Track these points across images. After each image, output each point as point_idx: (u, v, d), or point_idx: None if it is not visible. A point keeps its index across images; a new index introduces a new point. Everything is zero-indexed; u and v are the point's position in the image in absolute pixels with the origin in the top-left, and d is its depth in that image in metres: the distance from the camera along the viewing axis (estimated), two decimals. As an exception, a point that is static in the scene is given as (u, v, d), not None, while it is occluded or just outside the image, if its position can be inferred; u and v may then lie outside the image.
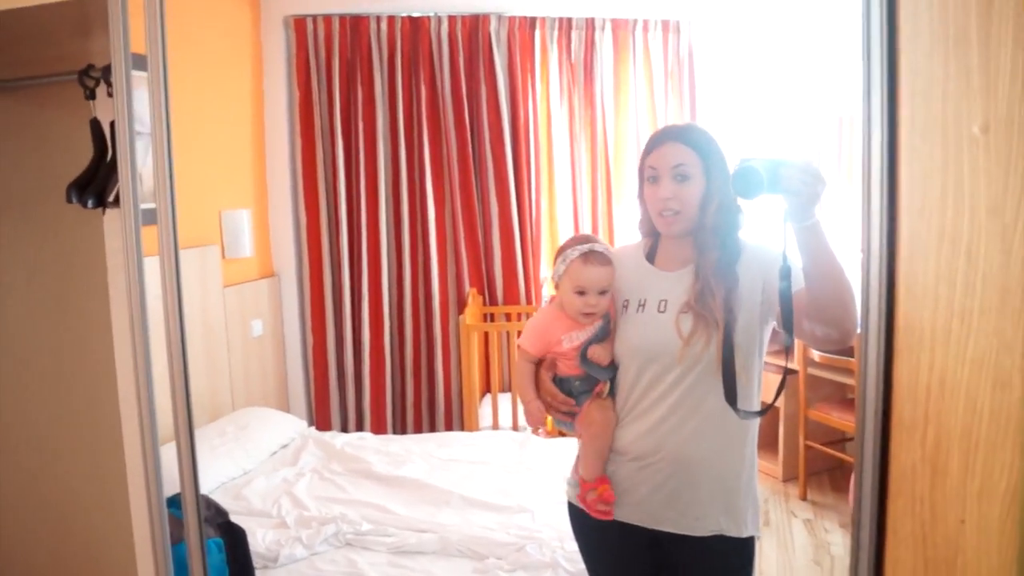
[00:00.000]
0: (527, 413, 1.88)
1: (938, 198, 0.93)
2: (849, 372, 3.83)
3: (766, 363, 1.78)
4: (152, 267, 1.61)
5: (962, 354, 0.91)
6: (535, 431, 1.93)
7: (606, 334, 1.79)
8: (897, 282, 0.96)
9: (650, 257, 1.84)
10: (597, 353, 1.77)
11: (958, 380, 0.92)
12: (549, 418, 1.91)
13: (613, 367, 1.79)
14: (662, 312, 1.72)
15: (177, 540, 1.70)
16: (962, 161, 0.90)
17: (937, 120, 0.92)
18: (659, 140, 1.75)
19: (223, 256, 3.92)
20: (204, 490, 3.01)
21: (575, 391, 1.80)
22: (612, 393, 1.80)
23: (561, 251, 1.80)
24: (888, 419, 1.00)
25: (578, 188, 4.64)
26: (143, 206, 1.61)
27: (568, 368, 1.81)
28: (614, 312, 1.80)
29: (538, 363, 1.88)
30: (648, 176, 1.74)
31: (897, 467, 0.98)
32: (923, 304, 0.95)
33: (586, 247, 1.76)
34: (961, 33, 0.89)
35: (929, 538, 0.96)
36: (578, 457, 1.87)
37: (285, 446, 3.66)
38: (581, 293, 1.75)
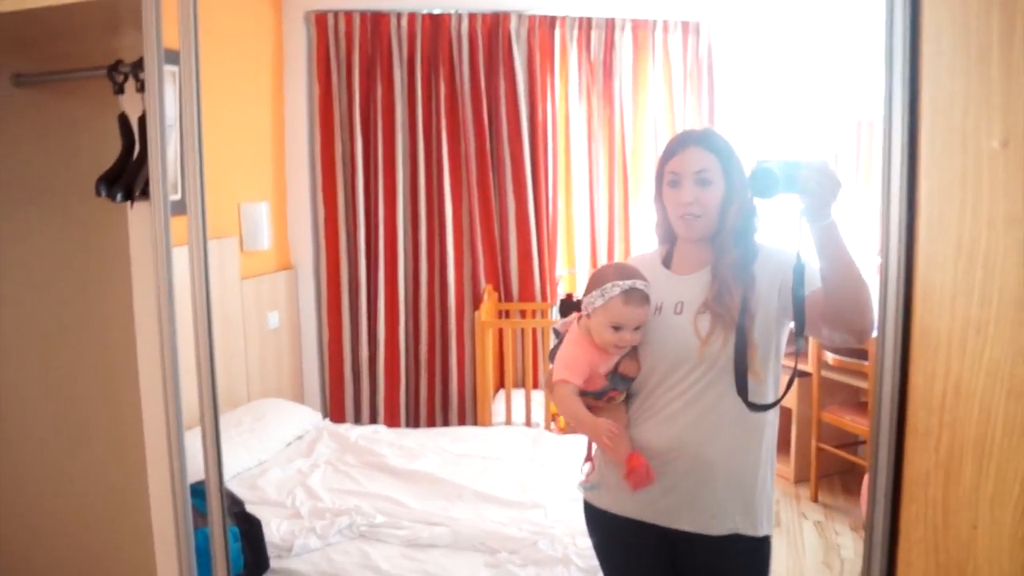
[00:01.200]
0: (596, 437, 1.79)
1: (956, 210, 0.94)
2: (862, 375, 3.83)
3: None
4: (177, 258, 1.64)
5: (978, 363, 0.93)
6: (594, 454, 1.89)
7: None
8: (914, 292, 0.98)
9: (666, 263, 1.86)
10: (628, 367, 1.78)
11: (973, 388, 0.94)
12: (562, 418, 1.92)
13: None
14: (679, 314, 1.74)
15: (195, 527, 1.74)
16: (981, 174, 0.92)
17: (957, 134, 0.94)
18: (680, 145, 1.76)
19: (241, 248, 3.95)
20: (221, 480, 3.05)
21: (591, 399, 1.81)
22: (627, 398, 1.82)
23: (598, 280, 1.77)
24: (903, 425, 1.02)
25: (595, 187, 4.65)
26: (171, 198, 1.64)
27: (589, 385, 1.80)
28: None
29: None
30: (669, 181, 1.75)
31: (911, 472, 1.00)
32: (940, 314, 0.97)
33: (627, 284, 1.72)
34: (984, 51, 0.90)
35: (941, 543, 0.97)
36: (591, 458, 1.89)
37: (300, 437, 3.70)
38: (617, 328, 1.74)
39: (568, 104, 4.58)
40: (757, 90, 4.60)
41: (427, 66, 4.47)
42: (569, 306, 4.14)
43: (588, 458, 1.89)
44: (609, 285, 1.73)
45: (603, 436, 1.73)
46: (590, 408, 1.78)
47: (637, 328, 1.74)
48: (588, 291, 1.79)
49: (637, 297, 1.72)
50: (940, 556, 0.97)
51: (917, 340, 0.99)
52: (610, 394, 1.79)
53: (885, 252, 1.02)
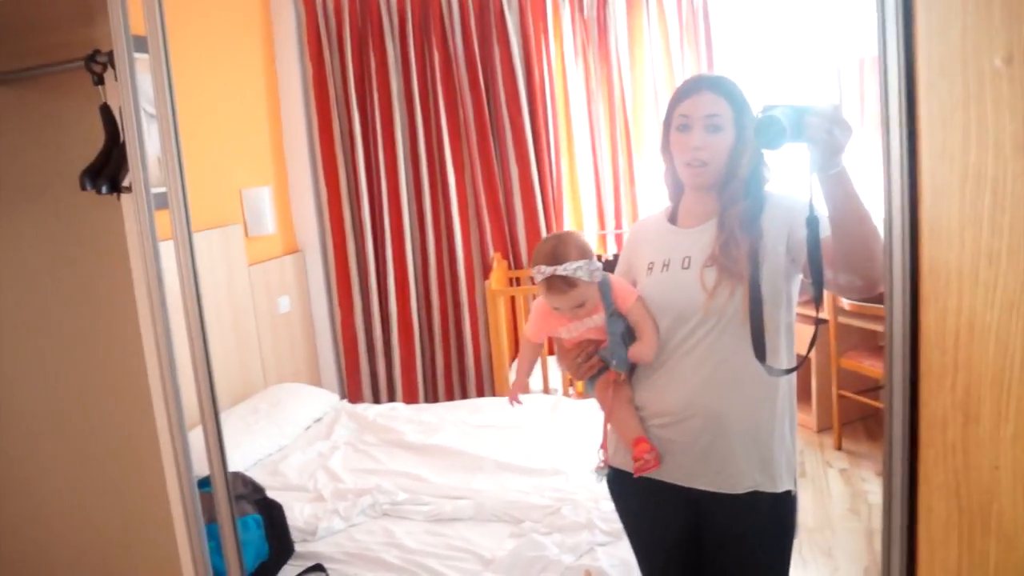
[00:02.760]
0: (512, 385, 1.96)
1: (960, 136, 0.89)
2: (880, 319, 3.78)
3: (797, 314, 1.76)
4: (170, 250, 1.61)
5: (991, 297, 0.88)
6: (512, 401, 1.92)
7: (623, 333, 1.74)
8: (921, 226, 0.93)
9: (672, 219, 1.82)
10: (639, 353, 1.74)
11: (987, 324, 0.89)
12: (579, 382, 1.93)
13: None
14: (686, 268, 1.71)
15: (214, 519, 1.72)
16: (984, 96, 0.86)
17: (956, 54, 0.88)
18: (692, 88, 1.72)
19: (246, 235, 3.93)
20: (240, 467, 3.05)
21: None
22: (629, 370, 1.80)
23: (534, 257, 1.74)
24: (917, 367, 0.97)
25: (597, 146, 4.59)
26: (158, 190, 1.61)
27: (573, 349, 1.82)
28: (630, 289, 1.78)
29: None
30: (678, 124, 1.70)
31: (927, 415, 0.96)
32: (948, 247, 0.92)
33: (549, 271, 1.67)
34: (979, -39, 0.85)
35: (963, 486, 0.94)
36: (605, 445, 1.89)
37: (318, 420, 3.70)
38: (556, 308, 1.74)
39: (564, 64, 4.50)
40: (755, 36, 4.50)
41: (419, 35, 4.41)
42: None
43: (603, 445, 1.86)
44: (535, 270, 1.70)
45: (514, 391, 1.93)
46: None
47: (580, 306, 1.71)
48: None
49: (558, 285, 1.67)
50: (962, 499, 0.94)
51: (926, 276, 0.94)
52: (608, 374, 1.79)
53: (888, 185, 0.97)
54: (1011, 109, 0.84)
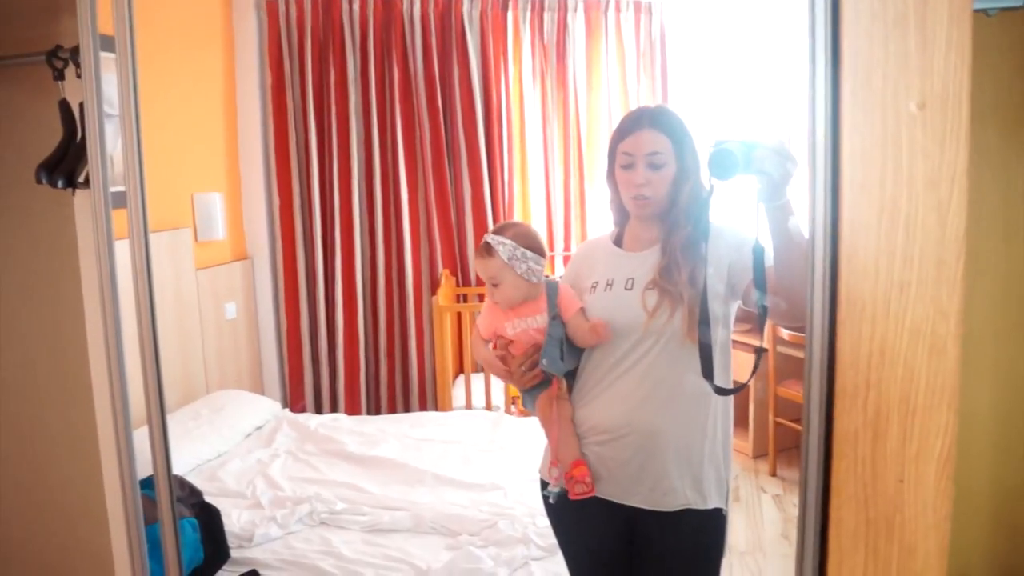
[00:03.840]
0: (490, 364, 1.91)
1: (878, 173, 0.97)
2: (816, 350, 3.89)
3: (738, 341, 1.81)
4: (123, 250, 1.62)
5: (901, 323, 0.96)
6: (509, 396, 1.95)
7: (561, 339, 1.80)
8: (840, 256, 1.01)
9: (617, 242, 1.88)
10: (597, 332, 1.77)
11: (897, 348, 0.97)
12: (519, 398, 1.95)
13: (568, 364, 1.81)
14: (629, 289, 1.76)
15: (151, 520, 1.72)
16: (900, 137, 0.95)
17: (877, 98, 0.96)
18: (633, 126, 1.76)
19: (195, 239, 3.91)
20: (179, 471, 3.02)
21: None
22: (576, 375, 1.84)
23: None
24: (833, 387, 1.05)
25: (550, 169, 4.67)
26: (114, 189, 1.62)
27: (518, 350, 1.85)
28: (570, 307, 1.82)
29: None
30: (622, 163, 1.75)
31: (840, 431, 1.03)
32: (864, 276, 0.99)
33: (485, 238, 1.80)
34: (900, 14, 0.93)
35: (870, 498, 1.01)
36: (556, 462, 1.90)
37: (260, 428, 3.69)
38: (486, 288, 1.83)
39: (522, 87, 4.59)
40: (710, 70, 4.63)
41: (380, 51, 4.45)
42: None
43: (553, 463, 1.85)
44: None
45: (495, 365, 1.88)
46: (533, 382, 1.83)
47: (495, 285, 1.79)
48: None
49: (481, 250, 1.80)
50: (869, 511, 1.01)
51: (844, 303, 1.01)
52: (551, 389, 1.82)
53: (812, 216, 1.04)
54: (923, 151, 0.93)
